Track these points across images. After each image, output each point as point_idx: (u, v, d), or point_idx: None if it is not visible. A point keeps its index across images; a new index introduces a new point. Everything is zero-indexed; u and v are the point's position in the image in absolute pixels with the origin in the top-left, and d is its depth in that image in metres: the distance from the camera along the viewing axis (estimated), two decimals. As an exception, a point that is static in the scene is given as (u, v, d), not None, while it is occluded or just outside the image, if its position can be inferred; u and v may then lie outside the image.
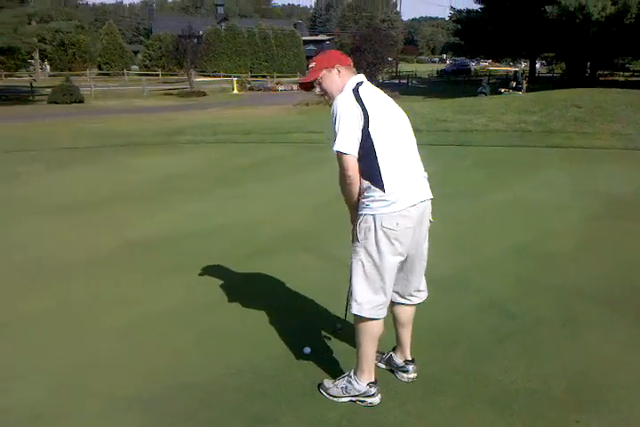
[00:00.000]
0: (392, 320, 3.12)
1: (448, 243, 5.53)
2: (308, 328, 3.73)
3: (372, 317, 2.79)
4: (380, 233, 2.67)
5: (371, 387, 2.90)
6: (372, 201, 2.68)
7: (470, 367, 3.27)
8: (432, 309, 3.98)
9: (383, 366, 3.25)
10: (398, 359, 3.18)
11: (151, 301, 4.31)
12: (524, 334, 3.65)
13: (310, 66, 2.92)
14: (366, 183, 2.68)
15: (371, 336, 2.85)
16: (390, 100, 2.91)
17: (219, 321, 3.92)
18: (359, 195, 2.75)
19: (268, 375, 3.20)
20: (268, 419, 2.83)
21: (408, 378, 3.12)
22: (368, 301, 2.78)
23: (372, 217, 2.68)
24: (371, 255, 2.73)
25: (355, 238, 2.78)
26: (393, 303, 3.02)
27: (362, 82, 2.84)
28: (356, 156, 2.66)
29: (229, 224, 6.30)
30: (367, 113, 2.66)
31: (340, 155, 2.67)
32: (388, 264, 2.74)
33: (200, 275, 4.70)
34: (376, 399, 2.91)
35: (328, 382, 3.03)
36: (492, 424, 2.75)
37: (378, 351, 3.28)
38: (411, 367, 3.13)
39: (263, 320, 3.90)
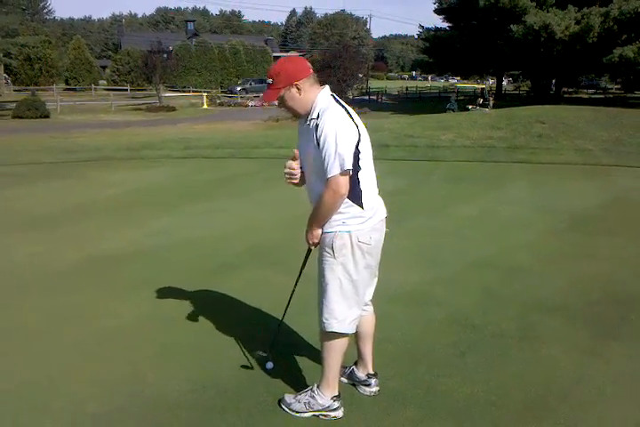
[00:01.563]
0: (353, 335, 3.12)
1: (413, 257, 5.59)
2: (271, 343, 3.72)
3: (349, 331, 2.83)
4: (356, 249, 2.70)
5: (334, 401, 2.90)
6: (349, 218, 2.67)
7: (432, 380, 3.29)
8: (396, 322, 4.03)
9: (345, 381, 3.25)
10: (360, 373, 3.18)
11: (113, 315, 4.26)
12: (485, 347, 3.69)
13: (268, 81, 2.71)
14: (347, 201, 2.64)
15: (340, 351, 2.87)
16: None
17: (181, 336, 3.88)
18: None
19: (230, 391, 3.18)
20: (229, 435, 2.80)
21: (370, 392, 3.13)
22: (348, 316, 2.80)
23: (347, 234, 2.68)
24: (348, 272, 2.73)
25: (327, 256, 2.73)
26: None
27: (331, 93, 2.74)
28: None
29: (196, 239, 6.27)
30: (359, 132, 2.62)
31: (339, 173, 2.54)
32: (363, 279, 2.79)
33: (164, 289, 4.66)
34: (339, 413, 2.91)
35: (289, 398, 3.02)
36: (452, 437, 2.77)
37: (342, 366, 3.30)
38: (373, 381, 3.14)
39: (226, 335, 3.87)
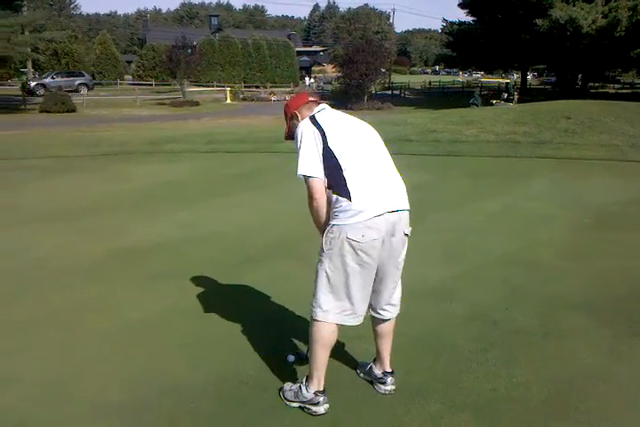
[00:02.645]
0: (372, 332, 3.13)
1: (435, 252, 5.58)
2: (293, 336, 3.74)
3: (339, 322, 2.82)
4: (345, 244, 2.68)
5: (317, 396, 2.89)
6: (340, 211, 2.69)
7: (453, 376, 3.29)
8: (417, 318, 4.02)
9: (363, 377, 3.26)
10: (377, 371, 3.16)
11: (137, 307, 4.31)
12: (506, 343, 3.67)
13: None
14: (335, 195, 2.71)
15: (322, 344, 2.85)
16: (355, 119, 2.99)
17: (204, 328, 3.92)
18: (330, 207, 2.77)
19: (251, 383, 3.21)
20: (250, 426, 2.83)
21: (385, 390, 3.11)
22: (334, 307, 2.79)
23: (338, 227, 2.69)
24: (335, 266, 2.74)
25: (321, 247, 2.78)
26: (371, 316, 3.04)
27: (321, 109, 2.94)
28: (322, 178, 2.71)
29: (219, 232, 6.32)
30: (324, 131, 2.75)
31: (305, 178, 2.73)
32: (355, 275, 2.74)
33: (188, 282, 4.72)
34: (320, 409, 2.89)
35: (287, 385, 3.07)
36: (473, 432, 2.77)
37: (363, 362, 3.32)
38: (389, 379, 3.11)
39: (248, 328, 3.91)
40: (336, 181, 2.70)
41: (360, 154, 2.77)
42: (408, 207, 2.86)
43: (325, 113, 2.92)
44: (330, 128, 2.79)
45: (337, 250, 2.71)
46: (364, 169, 2.74)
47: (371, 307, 3.01)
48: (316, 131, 2.77)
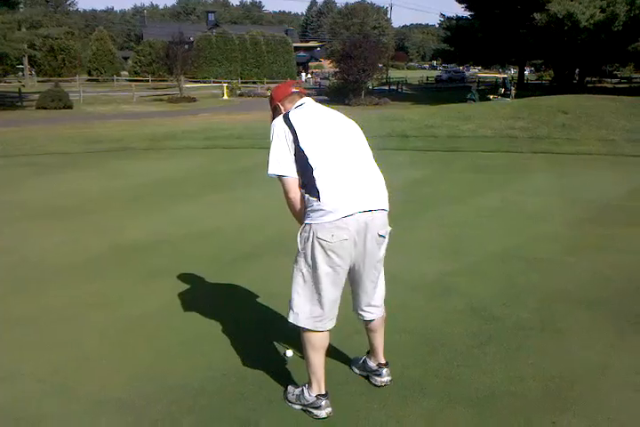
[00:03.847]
0: (363, 326, 3.14)
1: (433, 247, 5.59)
2: (291, 332, 3.75)
3: (309, 328, 2.78)
4: (316, 244, 2.66)
5: (318, 399, 2.87)
6: (311, 211, 2.67)
7: (451, 370, 3.29)
8: (416, 312, 4.04)
9: (357, 372, 3.26)
10: (372, 363, 3.16)
11: (136, 303, 4.32)
12: (505, 338, 3.68)
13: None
14: (306, 195, 2.69)
15: (312, 347, 2.83)
16: (336, 115, 2.96)
17: (203, 325, 3.93)
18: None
19: (251, 379, 3.22)
20: (250, 422, 2.84)
21: (381, 382, 3.10)
22: (304, 311, 2.77)
23: (309, 226, 2.68)
24: (309, 265, 2.72)
25: (297, 246, 2.76)
26: None
27: (300, 104, 2.93)
28: (295, 176, 2.72)
29: (217, 228, 6.32)
30: (295, 131, 2.72)
31: (278, 178, 2.75)
32: (326, 276, 2.71)
33: (185, 279, 4.72)
34: (322, 413, 2.85)
35: (290, 387, 3.06)
36: (471, 426, 2.78)
37: (356, 358, 3.32)
38: (384, 371, 3.11)
39: (246, 324, 3.92)
40: (306, 181, 2.69)
41: (333, 153, 2.73)
42: (384, 207, 2.79)
43: (303, 109, 2.89)
44: (302, 127, 2.75)
45: (309, 250, 2.69)
46: (336, 168, 2.69)
47: (354, 307, 3.01)
48: (287, 130, 2.74)
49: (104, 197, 8.02)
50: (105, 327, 3.92)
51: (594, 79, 47.27)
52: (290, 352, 3.41)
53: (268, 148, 2.77)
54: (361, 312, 3.00)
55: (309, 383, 2.91)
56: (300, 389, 2.97)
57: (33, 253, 5.59)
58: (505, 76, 40.54)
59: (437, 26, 52.63)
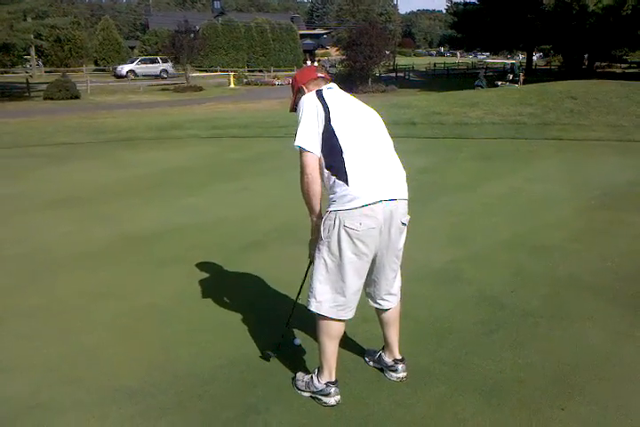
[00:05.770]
0: (377, 320, 3.13)
1: (442, 235, 5.59)
2: (299, 321, 3.76)
3: (331, 316, 2.77)
4: (342, 232, 2.63)
5: (328, 386, 2.87)
6: (337, 196, 2.63)
7: (460, 358, 3.30)
8: (425, 301, 4.04)
9: (373, 365, 3.25)
10: (387, 359, 3.15)
11: (145, 292, 4.35)
12: (513, 325, 3.68)
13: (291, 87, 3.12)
14: (333, 178, 2.65)
15: (328, 336, 2.83)
16: (360, 103, 2.95)
17: (212, 313, 3.95)
18: (327, 193, 2.73)
19: (259, 367, 3.24)
20: (260, 409, 2.86)
21: (397, 377, 3.09)
22: (328, 299, 2.75)
23: (335, 214, 2.64)
24: (333, 254, 2.69)
25: (319, 236, 2.74)
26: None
27: (330, 87, 2.92)
28: (318, 154, 2.68)
29: (224, 218, 6.34)
30: (328, 109, 2.70)
31: (300, 151, 2.70)
32: (350, 265, 2.69)
33: (194, 268, 4.75)
34: (331, 400, 2.87)
35: (299, 375, 3.07)
36: (480, 413, 2.79)
37: (370, 349, 3.32)
38: (400, 367, 3.10)
39: (254, 312, 3.94)
40: (335, 163, 2.65)
41: (362, 138, 2.72)
42: (406, 196, 2.78)
43: (331, 91, 2.88)
44: (335, 106, 2.74)
45: (335, 238, 2.65)
46: (365, 154, 2.68)
47: (370, 297, 3.00)
48: (320, 106, 2.72)
49: (112, 186, 8.04)
50: (114, 317, 3.95)
51: (603, 64, 46.81)
52: (298, 340, 3.43)
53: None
54: (380, 301, 2.98)
55: (320, 371, 2.91)
56: (310, 376, 2.98)
57: (42, 243, 5.62)
58: (513, 61, 40.21)
59: (444, 11, 52.07)
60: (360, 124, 2.78)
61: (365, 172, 2.65)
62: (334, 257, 2.70)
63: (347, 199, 2.61)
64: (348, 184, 2.61)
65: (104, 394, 3.02)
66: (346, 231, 2.63)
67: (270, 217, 6.35)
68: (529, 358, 3.27)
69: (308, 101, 2.77)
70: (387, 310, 3.02)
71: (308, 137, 2.68)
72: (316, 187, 2.70)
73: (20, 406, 2.94)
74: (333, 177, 2.66)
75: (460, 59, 79.34)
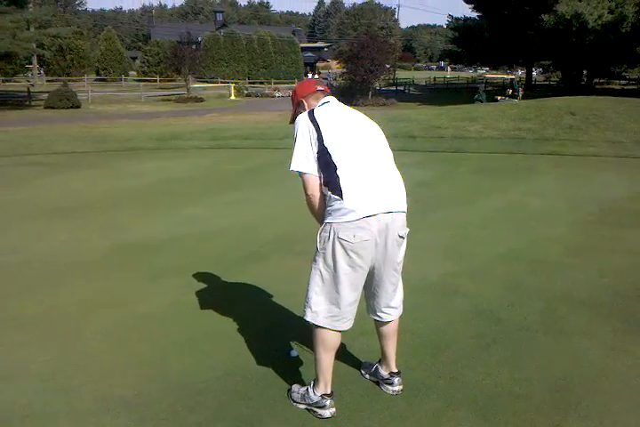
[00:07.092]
0: (375, 332, 3.12)
1: (438, 249, 5.59)
2: (296, 332, 3.76)
3: (326, 326, 2.78)
4: (336, 244, 2.66)
5: (323, 399, 2.86)
6: (332, 209, 2.67)
7: (456, 372, 3.30)
8: (421, 314, 4.04)
9: (368, 377, 3.24)
10: (383, 372, 3.14)
11: (143, 302, 4.34)
12: (509, 340, 3.68)
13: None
14: (328, 193, 2.69)
15: (324, 346, 2.82)
16: (359, 115, 2.97)
17: (208, 324, 3.94)
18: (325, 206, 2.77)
19: (255, 378, 3.23)
20: (254, 421, 2.85)
21: (393, 391, 3.08)
22: (323, 310, 2.76)
23: (329, 226, 2.68)
24: (328, 265, 2.72)
25: (316, 245, 2.77)
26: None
27: (326, 102, 2.95)
28: (316, 174, 2.72)
29: (223, 228, 6.35)
30: (320, 128, 2.74)
31: (299, 174, 2.76)
32: (345, 276, 2.70)
33: (191, 278, 4.75)
34: (326, 412, 2.86)
35: (295, 387, 3.06)
36: (475, 427, 2.79)
37: (367, 362, 3.31)
38: (396, 380, 3.09)
39: (251, 324, 3.93)
40: (330, 179, 2.68)
41: (357, 152, 2.74)
42: (404, 209, 2.79)
43: (328, 107, 2.90)
44: (327, 125, 2.76)
45: (330, 250, 2.68)
46: (360, 168, 2.70)
47: (371, 309, 2.99)
48: (312, 128, 2.75)
49: (112, 196, 8.05)
50: (111, 326, 3.94)
51: (602, 80, 47.11)
52: (295, 352, 3.43)
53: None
54: (379, 313, 2.97)
55: (316, 383, 2.91)
56: (305, 388, 2.97)
57: (41, 252, 5.62)
58: (513, 77, 40.44)
59: (445, 26, 52.44)
60: (356, 138, 2.80)
61: (360, 186, 2.67)
62: (329, 268, 2.72)
63: (341, 213, 2.64)
64: (342, 199, 2.64)
65: (99, 403, 3.01)
66: (340, 243, 2.65)
67: (270, 228, 6.36)
68: (525, 373, 3.27)
69: (301, 124, 2.81)
70: (387, 322, 3.01)
71: (302, 160, 2.73)
72: (317, 205, 2.79)
73: (14, 414, 2.92)
74: (329, 192, 2.70)
75: (451, 73, 79.93)
